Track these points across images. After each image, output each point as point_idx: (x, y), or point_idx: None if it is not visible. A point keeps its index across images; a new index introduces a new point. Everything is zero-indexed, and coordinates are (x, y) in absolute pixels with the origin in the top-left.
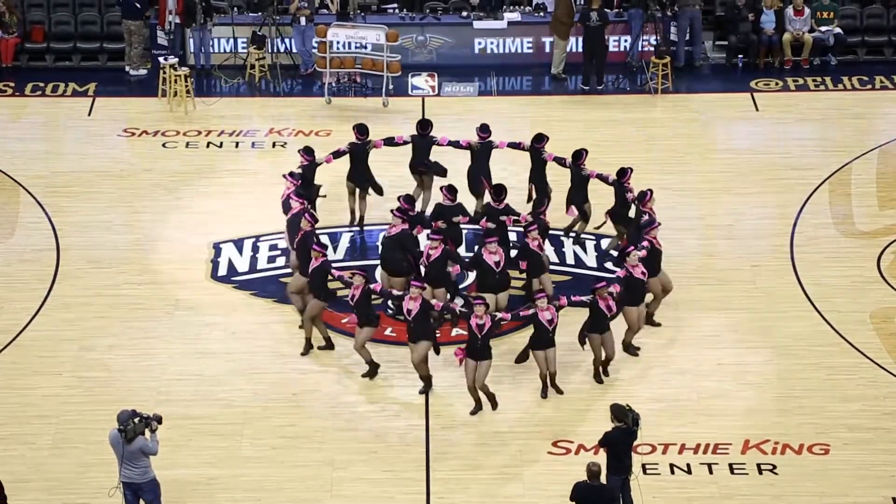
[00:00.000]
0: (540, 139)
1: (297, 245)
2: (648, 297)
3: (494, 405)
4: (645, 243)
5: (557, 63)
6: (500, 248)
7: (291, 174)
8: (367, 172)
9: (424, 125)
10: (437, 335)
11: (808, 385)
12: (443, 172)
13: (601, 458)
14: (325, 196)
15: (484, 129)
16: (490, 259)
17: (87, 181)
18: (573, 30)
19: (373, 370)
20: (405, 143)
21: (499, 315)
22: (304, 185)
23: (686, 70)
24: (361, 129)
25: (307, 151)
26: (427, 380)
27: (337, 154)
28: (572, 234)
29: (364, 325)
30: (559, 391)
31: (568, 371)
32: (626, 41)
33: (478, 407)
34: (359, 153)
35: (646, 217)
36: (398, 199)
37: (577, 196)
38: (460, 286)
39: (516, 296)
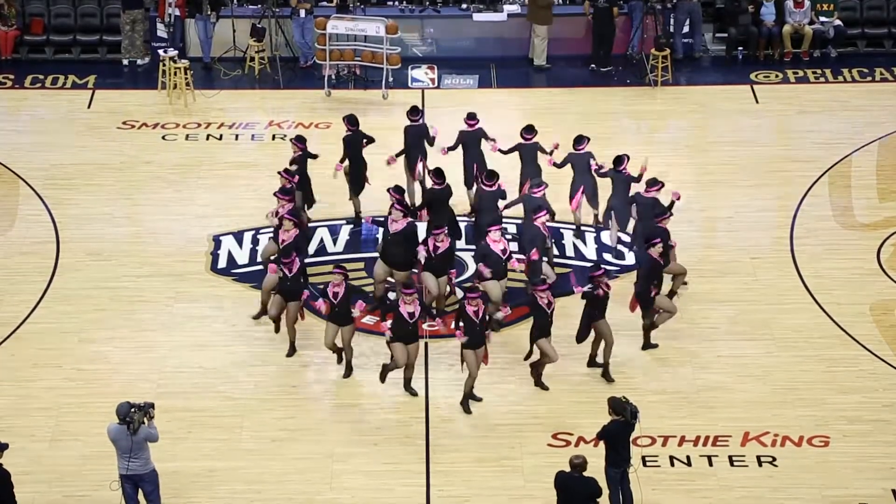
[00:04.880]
0: (530, 130)
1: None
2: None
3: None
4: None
5: (539, 53)
6: (503, 237)
7: (287, 171)
8: (360, 164)
9: (415, 111)
10: (435, 328)
11: (808, 377)
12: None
13: (599, 450)
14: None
15: (471, 117)
16: (496, 248)
17: (87, 173)
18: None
19: (349, 370)
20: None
21: (500, 314)
22: (299, 180)
23: (686, 62)
24: (352, 120)
25: (299, 140)
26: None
27: (343, 159)
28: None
29: (346, 323)
30: (544, 387)
31: (567, 364)
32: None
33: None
34: (353, 143)
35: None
36: (388, 191)
37: (588, 184)
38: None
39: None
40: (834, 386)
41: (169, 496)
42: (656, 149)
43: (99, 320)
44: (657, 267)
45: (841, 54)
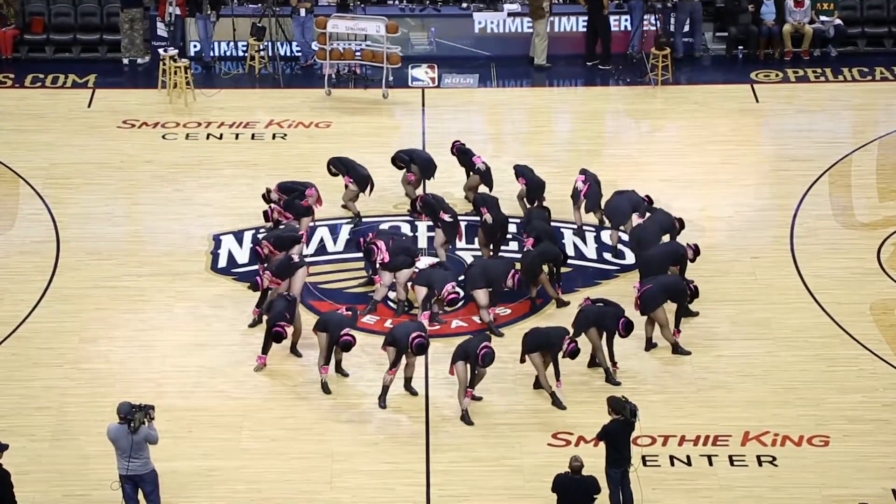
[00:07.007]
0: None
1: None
2: None
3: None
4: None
5: (539, 52)
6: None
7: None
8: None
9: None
10: (437, 326)
11: (808, 377)
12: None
13: (600, 450)
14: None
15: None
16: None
17: (87, 173)
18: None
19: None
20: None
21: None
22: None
23: (686, 61)
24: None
25: (268, 191)
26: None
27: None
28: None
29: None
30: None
31: (567, 363)
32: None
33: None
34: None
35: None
36: (360, 241)
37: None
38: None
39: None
40: (834, 385)
41: (169, 496)
42: (656, 148)
43: (99, 319)
44: (684, 293)
45: (841, 53)
